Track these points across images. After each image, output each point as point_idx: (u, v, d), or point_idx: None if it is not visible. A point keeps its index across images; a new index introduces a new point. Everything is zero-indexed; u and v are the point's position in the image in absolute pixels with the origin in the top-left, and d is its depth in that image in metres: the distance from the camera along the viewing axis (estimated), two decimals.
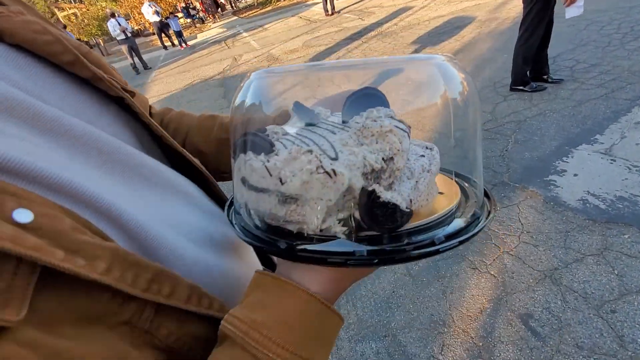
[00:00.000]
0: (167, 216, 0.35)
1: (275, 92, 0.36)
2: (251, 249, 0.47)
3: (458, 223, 0.31)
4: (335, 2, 10.17)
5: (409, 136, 0.30)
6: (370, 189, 0.28)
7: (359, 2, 10.82)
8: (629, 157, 2.14)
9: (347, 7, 10.48)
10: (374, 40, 6.23)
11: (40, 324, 0.22)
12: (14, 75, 0.30)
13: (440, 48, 4.88)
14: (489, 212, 0.33)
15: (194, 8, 17.41)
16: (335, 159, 0.28)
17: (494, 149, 2.55)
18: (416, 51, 5.02)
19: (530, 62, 3.11)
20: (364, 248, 0.28)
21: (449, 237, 0.29)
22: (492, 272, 1.68)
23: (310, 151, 0.28)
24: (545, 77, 3.21)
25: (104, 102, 0.38)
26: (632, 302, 1.41)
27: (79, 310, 0.24)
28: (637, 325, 1.34)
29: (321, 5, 10.24)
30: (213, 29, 14.54)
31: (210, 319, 0.32)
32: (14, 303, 0.21)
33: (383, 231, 0.29)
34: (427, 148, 0.33)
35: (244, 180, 0.33)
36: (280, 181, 0.28)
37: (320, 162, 0.27)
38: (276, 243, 0.30)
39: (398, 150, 0.29)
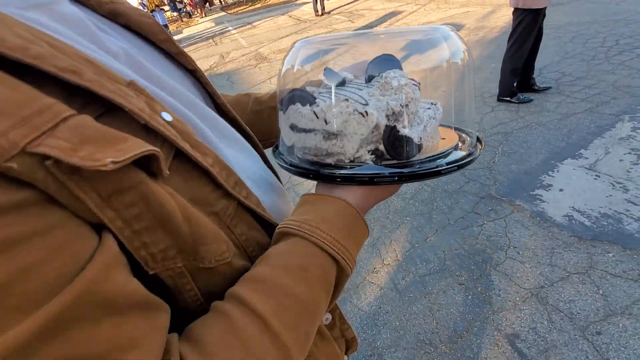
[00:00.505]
0: (234, 157, 0.43)
1: (313, 57, 0.46)
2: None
3: (456, 155, 0.41)
4: (325, 2, 10.11)
5: (419, 89, 0.40)
6: (392, 125, 0.37)
7: (349, 3, 10.79)
8: (612, 173, 2.16)
9: (338, 8, 10.43)
10: None
11: (173, 189, 0.31)
12: (130, 48, 0.39)
13: (429, 55, 4.88)
14: (479, 151, 0.43)
15: (181, 1, 17.03)
16: (366, 104, 0.37)
17: (481, 160, 2.55)
18: (406, 57, 5.00)
19: (518, 74, 3.13)
20: (386, 170, 0.37)
21: (449, 164, 0.38)
22: (479, 289, 1.66)
23: (347, 99, 0.37)
24: (534, 86, 3.25)
25: (183, 73, 0.47)
26: (617, 323, 1.41)
27: (191, 192, 0.33)
28: (622, 348, 1.33)
29: (311, 5, 10.16)
30: (200, 24, 14.25)
31: (268, 230, 0.41)
32: (163, 162, 0.29)
33: (400, 158, 0.39)
34: (432, 104, 0.42)
35: (293, 126, 0.41)
36: (325, 122, 0.38)
37: (355, 107, 0.37)
38: (319, 171, 0.39)
39: (412, 98, 0.39)
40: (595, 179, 2.15)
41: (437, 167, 0.38)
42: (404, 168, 0.38)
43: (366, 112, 0.36)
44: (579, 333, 1.41)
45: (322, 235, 0.35)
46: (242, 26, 11.13)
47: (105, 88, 0.28)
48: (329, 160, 0.39)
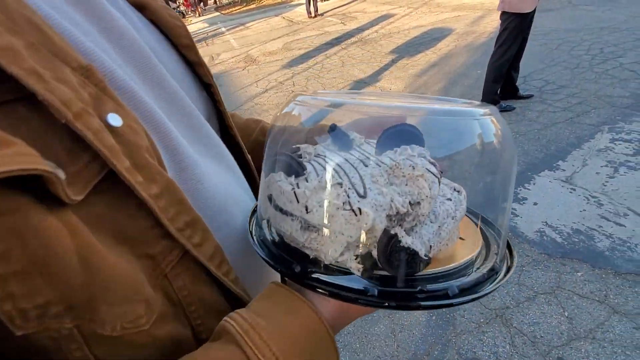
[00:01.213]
0: (222, 182, 0.37)
1: (313, 116, 0.37)
2: None
3: (475, 276, 0.30)
4: (318, 4, 10.05)
5: (439, 182, 0.30)
6: (392, 232, 0.27)
7: (342, 5, 10.75)
8: (588, 186, 2.12)
9: (331, 10, 10.38)
10: (354, 47, 6.15)
11: (85, 220, 0.23)
12: (153, 42, 0.37)
13: (417, 59, 4.85)
14: (509, 268, 0.31)
15: (175, 0, 16.93)
16: (364, 196, 0.28)
17: None
18: (393, 61, 4.97)
19: (501, 81, 3.09)
20: (375, 288, 0.28)
21: (464, 290, 0.28)
22: (443, 309, 1.61)
23: (340, 184, 0.28)
24: (517, 93, 3.21)
25: (197, 86, 0.43)
26: (579, 348, 1.36)
27: (119, 226, 0.26)
28: None
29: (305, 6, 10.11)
30: (193, 25, 14.17)
31: (220, 289, 0.33)
32: (77, 187, 0.23)
33: (398, 275, 0.29)
34: (455, 190, 0.32)
35: (270, 198, 0.34)
36: (306, 209, 0.29)
37: (348, 197, 0.28)
38: (291, 265, 0.31)
39: (426, 196, 0.28)
40: (571, 192, 2.11)
41: (446, 295, 0.27)
42: (399, 287, 0.28)
43: (360, 209, 0.27)
44: (541, 359, 1.36)
45: (270, 359, 0.26)
46: (235, 27, 11.07)
47: (18, 61, 0.21)
48: (307, 252, 0.31)
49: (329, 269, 0.30)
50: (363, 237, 0.28)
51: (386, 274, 0.29)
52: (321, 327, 0.29)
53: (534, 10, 2.76)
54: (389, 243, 0.27)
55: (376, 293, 0.27)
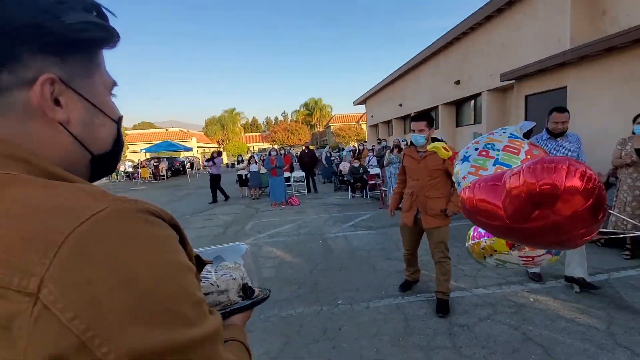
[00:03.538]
0: None
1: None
2: None
3: (263, 296, 0.78)
4: None
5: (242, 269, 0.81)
6: (245, 282, 0.76)
7: None
8: None
9: None
10: None
11: None
12: None
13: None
14: (269, 293, 0.82)
15: None
16: (233, 277, 0.74)
17: None
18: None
19: None
20: (248, 301, 0.73)
21: (262, 300, 0.77)
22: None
23: (222, 275, 0.74)
24: None
25: None
26: None
27: None
28: None
29: None
30: None
31: None
32: None
33: (250, 298, 0.75)
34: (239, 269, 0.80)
35: None
36: (218, 287, 0.71)
37: (228, 279, 0.73)
38: (222, 312, 0.66)
39: (245, 272, 0.79)
40: None
41: (265, 297, 0.76)
42: (253, 300, 0.73)
43: (235, 279, 0.72)
44: None
45: (243, 339, 0.61)
46: None
47: None
48: (218, 308, 0.68)
49: (230, 306, 0.70)
50: (238, 287, 0.73)
51: (245, 301, 0.73)
52: (240, 327, 0.67)
53: None
54: (246, 286, 0.74)
55: (249, 303, 0.72)
